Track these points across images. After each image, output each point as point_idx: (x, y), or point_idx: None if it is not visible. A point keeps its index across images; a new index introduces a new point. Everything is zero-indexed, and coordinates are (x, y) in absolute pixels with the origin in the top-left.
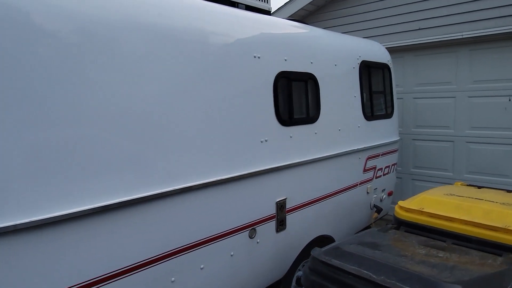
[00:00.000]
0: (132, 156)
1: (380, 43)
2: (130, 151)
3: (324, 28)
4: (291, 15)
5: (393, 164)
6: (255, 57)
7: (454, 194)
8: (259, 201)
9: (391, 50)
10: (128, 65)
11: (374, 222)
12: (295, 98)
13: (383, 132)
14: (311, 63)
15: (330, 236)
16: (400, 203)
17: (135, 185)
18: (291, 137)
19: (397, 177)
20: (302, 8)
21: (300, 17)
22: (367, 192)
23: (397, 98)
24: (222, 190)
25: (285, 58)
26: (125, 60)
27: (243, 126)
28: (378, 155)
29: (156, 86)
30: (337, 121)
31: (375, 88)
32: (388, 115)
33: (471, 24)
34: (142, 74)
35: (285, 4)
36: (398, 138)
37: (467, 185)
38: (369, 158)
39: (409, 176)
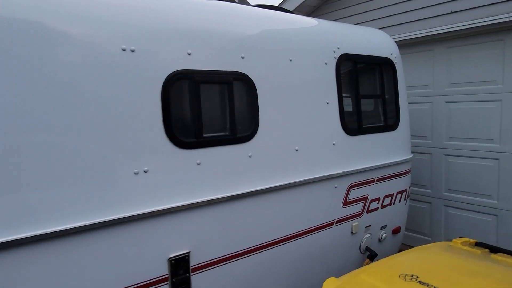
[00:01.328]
0: None
1: (400, 33)
2: None
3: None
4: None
5: (402, 191)
6: (124, 50)
7: (416, 278)
8: (133, 260)
9: (415, 42)
10: None
11: None
12: (209, 108)
13: (381, 149)
14: (242, 58)
15: None
16: (328, 282)
17: None
18: (198, 164)
19: (426, 202)
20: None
21: (311, 7)
22: (352, 232)
23: (425, 102)
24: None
25: (189, 51)
26: None
27: (104, 150)
28: (371, 181)
29: None
30: (292, 138)
31: (367, 91)
32: (390, 126)
33: None
34: None
35: None
36: (409, 156)
37: (474, 246)
38: (353, 186)
39: (441, 201)
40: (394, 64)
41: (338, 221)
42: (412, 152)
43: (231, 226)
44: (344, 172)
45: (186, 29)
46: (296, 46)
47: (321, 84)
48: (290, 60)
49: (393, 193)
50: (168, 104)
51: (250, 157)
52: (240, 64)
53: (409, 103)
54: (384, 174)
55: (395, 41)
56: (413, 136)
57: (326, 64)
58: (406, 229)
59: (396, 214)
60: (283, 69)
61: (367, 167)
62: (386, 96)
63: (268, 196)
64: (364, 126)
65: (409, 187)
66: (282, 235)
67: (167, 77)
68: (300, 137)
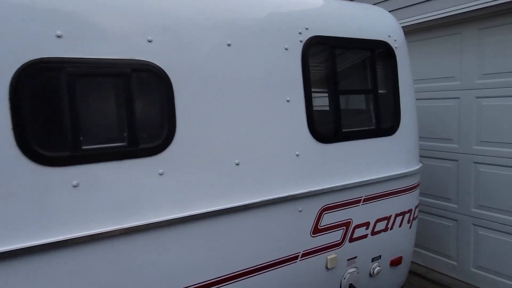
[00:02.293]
0: None
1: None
2: None
3: None
4: None
5: (404, 213)
6: None
7: None
8: None
9: (437, 24)
10: None
11: None
12: (93, 111)
13: (371, 160)
14: (149, 41)
15: None
16: None
17: None
18: (75, 186)
19: (451, 219)
20: None
21: None
22: (328, 267)
23: (451, 98)
24: None
25: (58, 32)
26: None
27: None
28: (356, 202)
29: None
30: (229, 149)
31: (351, 85)
32: (386, 130)
33: None
34: None
35: None
36: (415, 167)
37: None
38: (328, 209)
39: (469, 219)
40: (393, 50)
41: (305, 254)
42: (436, 158)
43: (127, 273)
44: (311, 191)
45: (55, 2)
46: (237, 25)
47: (278, 76)
48: (228, 45)
49: (390, 216)
50: (20, 105)
51: (161, 175)
52: (144, 50)
53: (431, 99)
54: (376, 191)
55: (411, 24)
56: (436, 139)
57: (286, 49)
58: (427, 249)
59: (396, 242)
60: (217, 57)
61: (348, 184)
62: (381, 92)
63: (192, 226)
64: (344, 130)
65: (416, 206)
66: (215, 276)
67: (19, 69)
68: (243, 147)
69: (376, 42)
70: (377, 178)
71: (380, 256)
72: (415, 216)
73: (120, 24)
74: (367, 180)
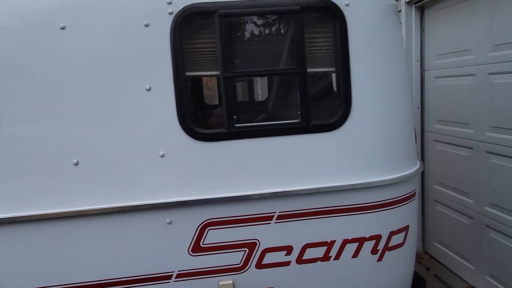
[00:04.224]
0: None
1: None
2: None
3: None
4: None
5: (365, 239)
6: None
7: None
8: None
9: None
10: None
11: None
12: None
13: (292, 163)
14: None
15: None
16: None
17: None
18: None
19: (467, 216)
20: None
21: None
22: None
23: (466, 75)
24: None
25: None
26: None
27: None
28: (264, 219)
29: None
30: (65, 145)
31: (262, 65)
32: (321, 125)
33: None
34: None
35: None
36: (385, 176)
37: None
38: (214, 224)
39: (482, 219)
40: (338, 10)
41: (181, 275)
42: (453, 145)
43: None
44: (185, 201)
45: None
46: (73, 5)
47: (133, 60)
48: (62, 28)
49: (333, 241)
50: None
51: None
52: None
53: (446, 76)
54: (301, 207)
55: None
56: (453, 123)
57: (147, 26)
58: (443, 245)
59: (351, 278)
60: (45, 43)
61: (245, 196)
62: (315, 71)
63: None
64: (239, 124)
65: (395, 232)
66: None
67: None
68: (83, 145)
69: (311, 3)
70: (302, 190)
71: None
72: (390, 245)
73: None
74: (280, 192)
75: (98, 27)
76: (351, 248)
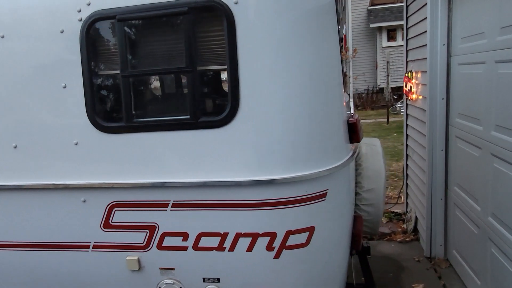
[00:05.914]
0: None
1: None
2: None
3: None
4: None
5: (258, 235)
6: None
7: None
8: None
9: None
10: None
11: None
12: None
13: (186, 157)
14: None
15: None
16: None
17: None
18: None
19: (475, 224)
20: None
21: None
22: (129, 269)
23: (477, 63)
24: None
25: None
26: None
27: None
28: (161, 205)
29: None
30: (8, 132)
31: (158, 64)
32: (209, 121)
33: None
34: None
35: None
36: (278, 175)
37: None
38: (119, 206)
39: (486, 230)
40: (226, 8)
41: (97, 246)
42: (466, 142)
43: None
44: (93, 184)
45: None
46: (8, 17)
47: (52, 61)
48: (2, 37)
49: (226, 233)
50: None
51: None
52: None
53: (466, 64)
54: (192, 198)
55: None
56: (468, 118)
57: (62, 32)
58: (459, 254)
59: (246, 270)
60: None
61: (140, 183)
62: (205, 69)
63: None
64: (137, 119)
65: (294, 232)
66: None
67: None
68: (22, 132)
69: (199, 4)
70: (190, 182)
71: (218, 279)
72: (288, 244)
73: None
74: (170, 183)
75: (27, 32)
76: (245, 242)
